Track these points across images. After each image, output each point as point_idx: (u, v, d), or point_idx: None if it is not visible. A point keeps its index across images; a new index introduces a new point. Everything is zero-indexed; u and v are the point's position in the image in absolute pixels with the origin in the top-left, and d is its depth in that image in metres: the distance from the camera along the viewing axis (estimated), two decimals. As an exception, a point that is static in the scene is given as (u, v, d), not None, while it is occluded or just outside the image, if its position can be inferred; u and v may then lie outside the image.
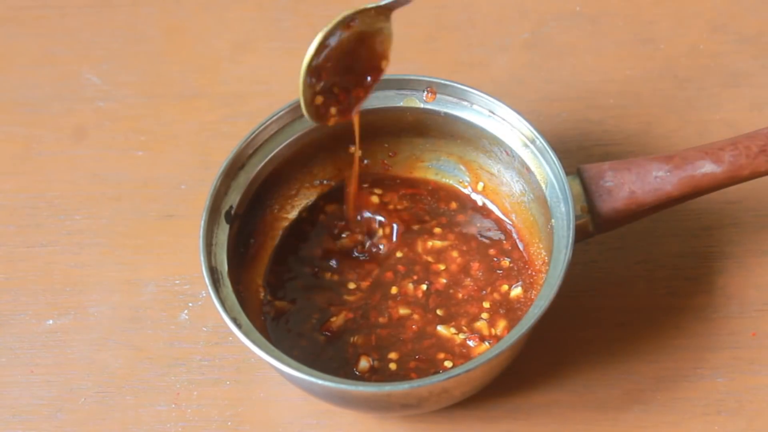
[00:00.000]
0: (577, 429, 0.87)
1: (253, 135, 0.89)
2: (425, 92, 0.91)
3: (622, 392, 0.88)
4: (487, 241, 0.92)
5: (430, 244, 0.92)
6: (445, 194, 0.94)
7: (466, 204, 0.94)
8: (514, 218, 0.92)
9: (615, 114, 1.02)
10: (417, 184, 0.95)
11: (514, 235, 0.92)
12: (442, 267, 0.91)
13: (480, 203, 0.94)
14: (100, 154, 1.03)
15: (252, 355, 0.82)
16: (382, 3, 0.85)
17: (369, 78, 0.87)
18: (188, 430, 0.88)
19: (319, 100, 0.86)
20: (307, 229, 0.93)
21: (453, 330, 0.87)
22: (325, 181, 0.95)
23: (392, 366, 0.86)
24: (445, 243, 0.92)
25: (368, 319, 0.88)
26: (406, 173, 0.95)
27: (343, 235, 0.92)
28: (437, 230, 0.92)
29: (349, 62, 0.86)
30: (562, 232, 0.84)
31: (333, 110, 0.87)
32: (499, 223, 0.93)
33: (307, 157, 0.93)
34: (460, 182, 0.95)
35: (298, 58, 1.08)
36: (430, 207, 0.94)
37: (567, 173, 0.86)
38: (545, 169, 0.87)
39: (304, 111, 0.85)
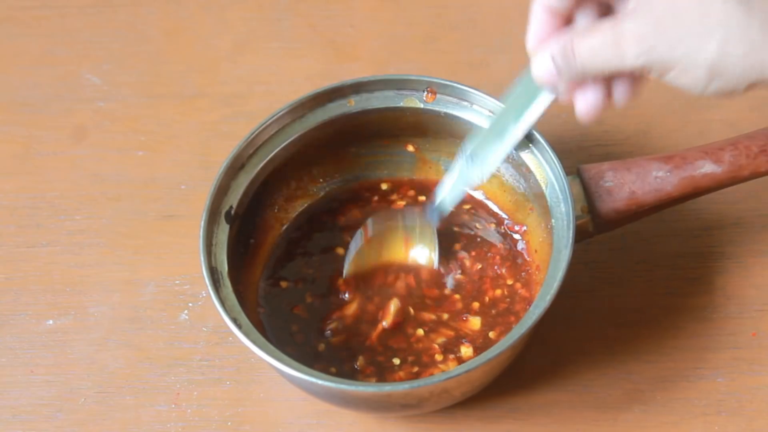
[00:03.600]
0: (577, 429, 0.87)
1: (253, 135, 0.89)
2: (425, 92, 0.91)
3: (622, 392, 0.88)
4: (488, 242, 0.92)
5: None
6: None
7: (466, 204, 0.94)
8: (514, 218, 0.92)
9: (615, 114, 1.02)
10: (421, 186, 0.95)
11: (514, 236, 0.92)
12: (441, 267, 0.91)
13: (480, 203, 0.94)
14: (100, 154, 1.03)
15: (252, 355, 0.82)
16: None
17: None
18: (188, 430, 0.88)
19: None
20: (307, 229, 0.93)
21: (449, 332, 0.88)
22: (325, 182, 0.95)
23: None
24: (453, 245, 0.92)
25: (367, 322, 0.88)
26: (416, 176, 0.95)
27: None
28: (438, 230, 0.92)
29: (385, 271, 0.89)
30: (562, 232, 0.84)
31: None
32: (498, 223, 0.93)
33: (307, 157, 0.93)
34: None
35: (298, 58, 1.09)
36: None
37: (567, 173, 0.86)
38: (545, 169, 0.87)
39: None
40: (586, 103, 0.79)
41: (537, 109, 0.83)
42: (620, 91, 0.79)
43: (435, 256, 0.89)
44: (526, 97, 0.83)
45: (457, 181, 0.87)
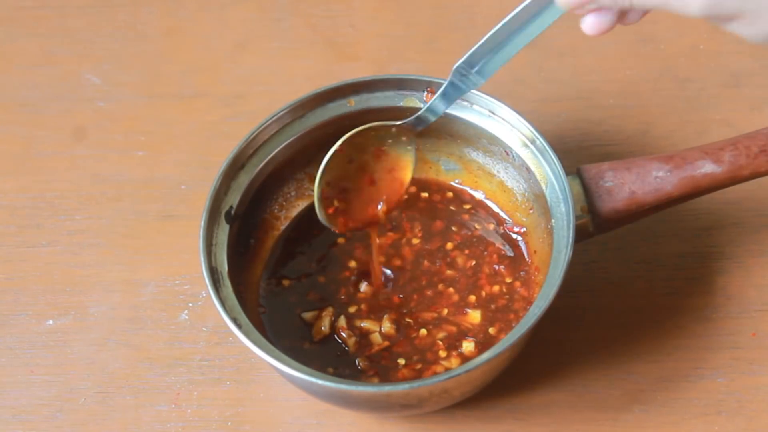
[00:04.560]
0: (577, 429, 0.87)
1: (253, 135, 0.89)
2: (425, 92, 0.91)
3: (622, 392, 0.88)
4: (486, 241, 0.92)
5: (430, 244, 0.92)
6: (445, 194, 0.94)
7: (466, 204, 0.94)
8: (514, 218, 0.92)
9: (615, 114, 1.02)
10: (422, 184, 0.95)
11: (514, 236, 0.92)
12: (442, 266, 0.91)
13: (480, 203, 0.94)
14: (100, 154, 1.03)
15: (252, 355, 0.82)
16: (396, 123, 0.87)
17: (382, 203, 0.89)
18: (188, 430, 0.88)
19: (331, 209, 0.88)
20: (307, 229, 0.93)
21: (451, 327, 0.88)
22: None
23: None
24: (445, 243, 0.92)
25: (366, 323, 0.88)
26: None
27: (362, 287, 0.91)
28: (437, 231, 0.92)
29: (368, 178, 0.89)
30: (562, 232, 0.84)
31: (341, 220, 0.88)
32: (499, 223, 0.93)
33: (307, 157, 0.93)
34: (460, 182, 0.95)
35: (298, 58, 1.09)
36: (430, 207, 0.94)
37: (567, 173, 0.86)
38: (545, 169, 0.87)
39: (319, 216, 0.88)
40: (598, 22, 0.77)
41: (544, 20, 0.80)
42: (636, 13, 0.77)
43: (412, 164, 0.88)
44: (533, 10, 0.80)
45: (446, 89, 0.85)
